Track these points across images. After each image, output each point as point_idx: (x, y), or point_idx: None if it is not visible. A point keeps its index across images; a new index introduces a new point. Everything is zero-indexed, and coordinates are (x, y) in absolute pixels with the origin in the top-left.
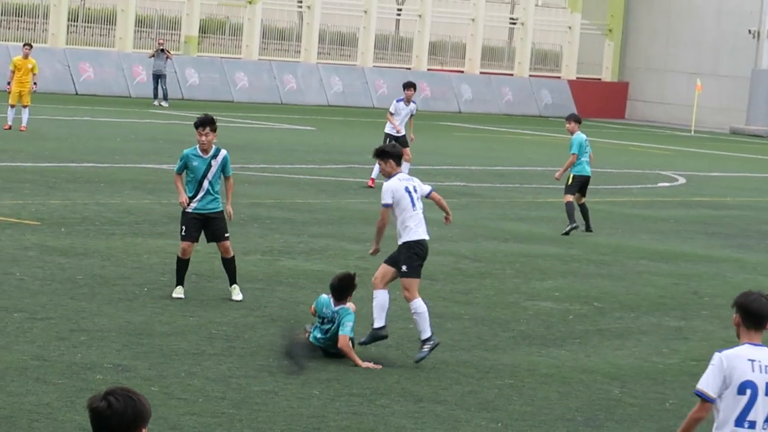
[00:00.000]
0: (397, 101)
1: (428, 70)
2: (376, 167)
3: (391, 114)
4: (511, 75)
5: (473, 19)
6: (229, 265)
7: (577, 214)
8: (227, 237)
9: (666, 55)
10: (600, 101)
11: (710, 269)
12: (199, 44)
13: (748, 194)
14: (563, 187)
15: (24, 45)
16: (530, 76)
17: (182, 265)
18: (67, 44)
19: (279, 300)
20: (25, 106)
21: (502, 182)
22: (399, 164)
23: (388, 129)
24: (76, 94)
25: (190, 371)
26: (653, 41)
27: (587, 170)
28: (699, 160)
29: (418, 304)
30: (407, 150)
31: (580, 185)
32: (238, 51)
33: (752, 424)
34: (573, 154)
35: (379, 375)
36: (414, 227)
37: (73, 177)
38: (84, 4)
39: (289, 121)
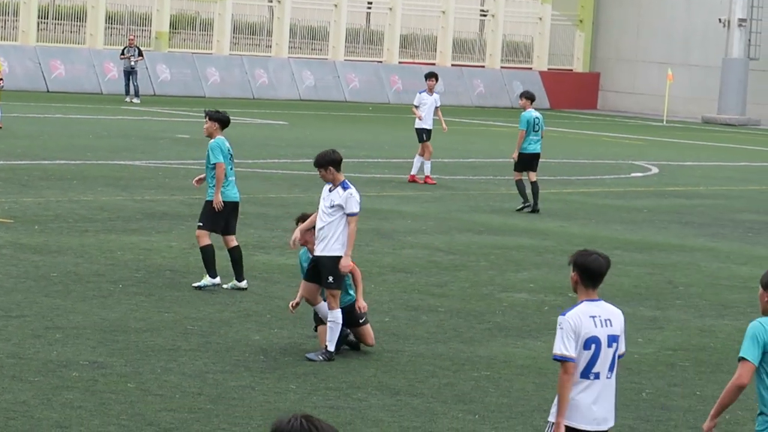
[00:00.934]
0: (420, 93)
1: (400, 63)
2: (417, 161)
3: (416, 107)
4: (483, 67)
5: (444, 12)
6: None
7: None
8: (198, 225)
9: (637, 46)
10: (572, 92)
11: (684, 258)
12: (170, 40)
13: (721, 183)
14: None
15: None
16: (502, 67)
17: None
18: (37, 41)
19: (254, 295)
20: None
21: (476, 174)
22: (340, 170)
23: (417, 124)
24: (48, 91)
25: (166, 367)
26: (624, 32)
27: (531, 148)
28: (671, 149)
29: (338, 315)
30: (428, 144)
31: (526, 162)
32: (209, 46)
33: (597, 375)
34: (521, 130)
35: (355, 369)
36: (344, 242)
37: (46, 174)
38: (54, 1)
39: (261, 116)
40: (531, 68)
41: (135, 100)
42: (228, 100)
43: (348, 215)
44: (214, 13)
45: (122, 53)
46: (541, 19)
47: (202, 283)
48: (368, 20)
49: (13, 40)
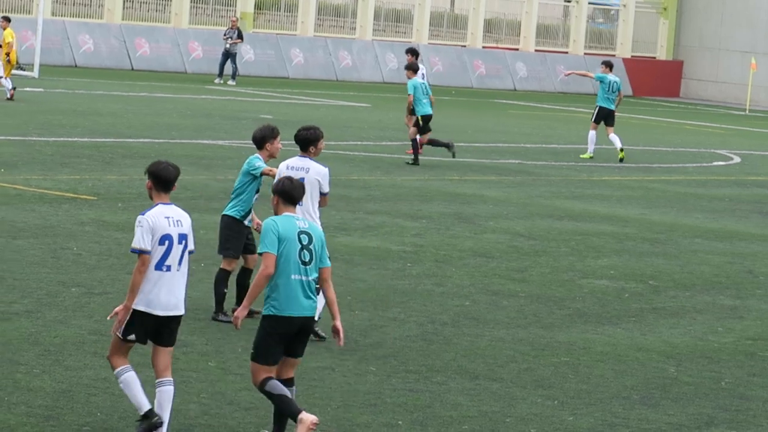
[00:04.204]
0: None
1: (483, 47)
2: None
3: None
4: (566, 53)
5: None
6: None
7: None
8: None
9: (720, 34)
10: (654, 80)
11: (765, 248)
12: (254, 21)
13: None
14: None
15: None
16: (585, 54)
17: None
18: (123, 20)
19: (335, 276)
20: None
21: (557, 160)
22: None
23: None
24: (132, 69)
25: (247, 347)
26: (708, 20)
27: (425, 110)
28: (754, 139)
29: None
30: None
31: (426, 123)
32: (293, 27)
33: (168, 268)
34: (409, 95)
35: (435, 352)
36: None
37: (130, 152)
38: None
39: (344, 98)
40: (614, 55)
41: (230, 82)
42: (311, 82)
43: None
44: None
45: (224, 34)
46: (625, 6)
47: None
48: (452, 4)
49: (99, 18)
